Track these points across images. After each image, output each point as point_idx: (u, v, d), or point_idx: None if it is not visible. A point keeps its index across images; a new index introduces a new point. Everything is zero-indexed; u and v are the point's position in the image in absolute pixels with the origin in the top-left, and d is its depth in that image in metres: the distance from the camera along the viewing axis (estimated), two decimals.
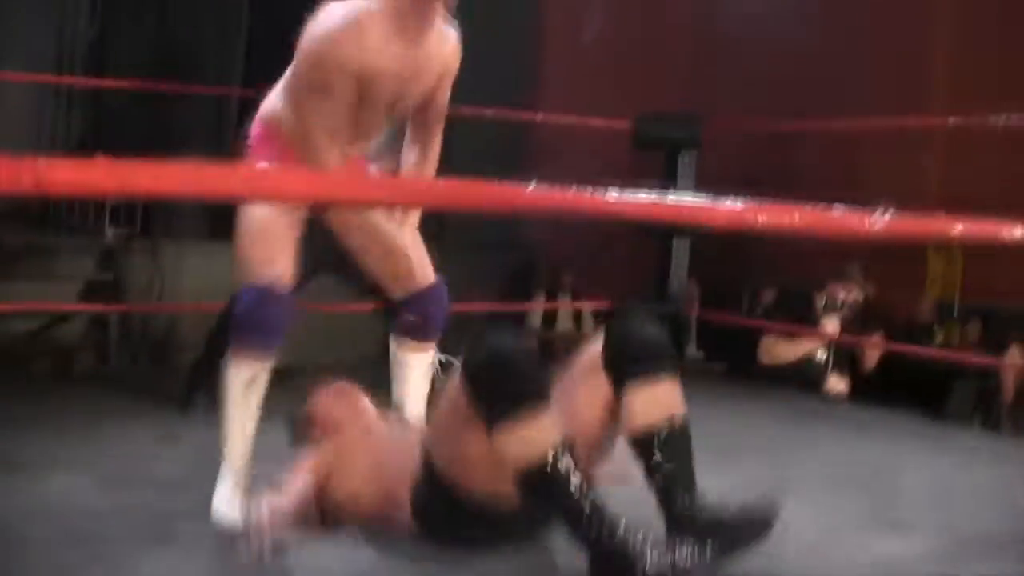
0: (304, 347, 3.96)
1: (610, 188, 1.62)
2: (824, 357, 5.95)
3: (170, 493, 3.07)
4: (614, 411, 2.60)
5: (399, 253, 3.13)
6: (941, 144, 6.81)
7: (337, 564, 2.61)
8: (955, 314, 6.90)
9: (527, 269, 7.72)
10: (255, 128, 3.07)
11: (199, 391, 4.16)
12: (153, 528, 2.76)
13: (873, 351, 6.03)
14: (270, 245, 2.90)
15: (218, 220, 6.17)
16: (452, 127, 3.43)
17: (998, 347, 5.94)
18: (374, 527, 2.71)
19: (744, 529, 2.43)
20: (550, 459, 2.36)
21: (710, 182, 6.20)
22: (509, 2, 7.39)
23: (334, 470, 2.79)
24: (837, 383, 5.88)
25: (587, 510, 2.36)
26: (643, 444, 2.52)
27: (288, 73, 2.99)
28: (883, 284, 6.35)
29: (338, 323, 5.32)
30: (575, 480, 2.37)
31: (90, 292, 6.19)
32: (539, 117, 6.95)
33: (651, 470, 2.51)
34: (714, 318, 6.44)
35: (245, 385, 2.93)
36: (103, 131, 7.42)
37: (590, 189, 1.61)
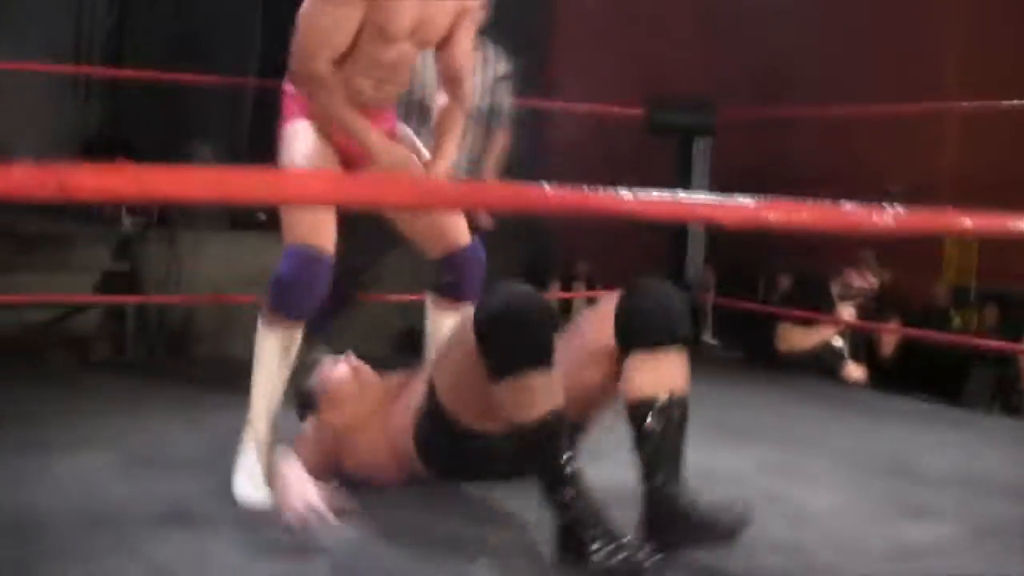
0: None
1: (623, 187, 1.62)
2: (841, 344, 5.94)
3: (192, 475, 3.07)
4: (616, 374, 2.60)
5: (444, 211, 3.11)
6: (954, 130, 6.79)
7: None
8: (972, 298, 6.88)
9: (542, 258, 7.73)
10: (286, 84, 3.07)
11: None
12: (176, 510, 2.77)
13: (890, 337, 6.02)
14: (314, 210, 2.89)
15: (236, 210, 6.20)
16: None
17: (1016, 332, 5.93)
18: (382, 480, 2.80)
19: (707, 530, 2.42)
20: (544, 421, 2.41)
21: (723, 168, 6.23)
22: None
23: (341, 447, 2.84)
24: (855, 370, 5.87)
25: (567, 480, 2.40)
26: (638, 413, 2.51)
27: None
28: (898, 269, 6.34)
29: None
30: (564, 446, 2.42)
31: (106, 282, 6.20)
32: (552, 104, 6.94)
33: (640, 441, 2.51)
34: (730, 305, 6.44)
35: (278, 353, 2.92)
36: (120, 120, 7.46)
37: (603, 189, 1.62)
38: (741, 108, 6.75)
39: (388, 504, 2.78)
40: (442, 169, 3.10)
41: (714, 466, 3.23)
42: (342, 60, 2.94)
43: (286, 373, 2.96)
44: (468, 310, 2.73)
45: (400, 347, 6.00)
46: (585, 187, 1.60)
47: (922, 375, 5.75)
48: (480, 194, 1.84)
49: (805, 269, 6.51)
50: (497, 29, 4.16)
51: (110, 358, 6.08)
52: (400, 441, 2.76)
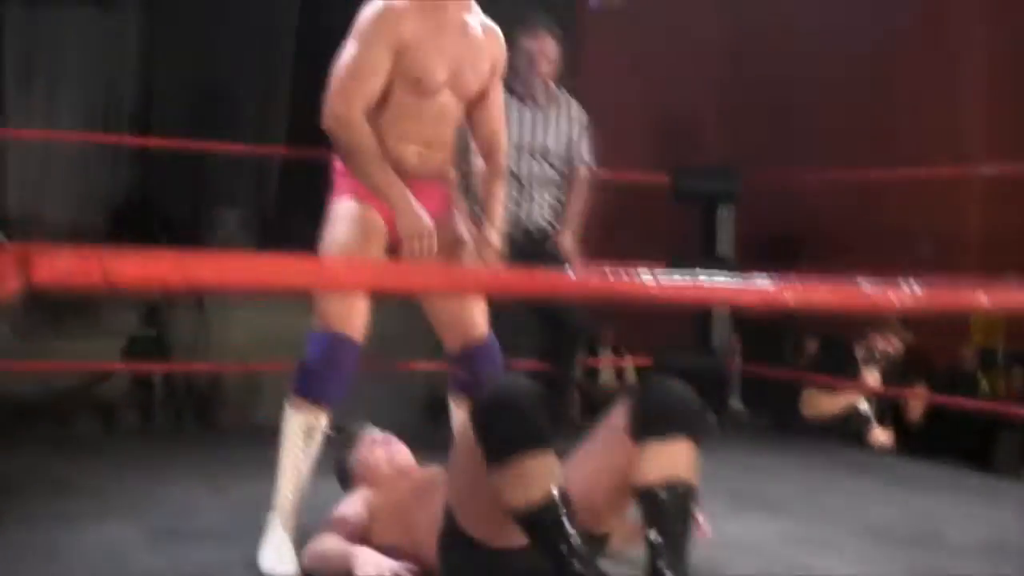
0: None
1: (648, 259, 1.66)
2: (867, 408, 5.91)
3: (218, 545, 3.09)
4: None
5: (468, 297, 3.12)
6: (980, 190, 6.78)
7: None
8: (999, 361, 6.83)
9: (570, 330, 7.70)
10: (335, 161, 3.08)
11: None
12: None
13: (917, 402, 5.99)
14: (348, 297, 2.92)
15: None
16: None
17: None
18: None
19: None
20: (544, 502, 2.38)
21: (749, 233, 6.23)
22: None
23: (372, 522, 2.83)
24: (881, 434, 5.83)
25: (575, 560, 2.36)
26: (642, 499, 2.51)
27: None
28: (924, 332, 6.31)
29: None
30: (569, 527, 2.38)
31: (134, 347, 6.23)
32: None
33: (645, 524, 2.50)
34: (756, 371, 6.42)
35: (303, 434, 2.95)
36: (149, 186, 7.55)
37: (626, 273, 1.65)
38: (765, 172, 6.77)
39: None
40: (495, 236, 3.14)
41: (739, 536, 3.22)
42: (382, 117, 2.96)
43: (313, 452, 2.98)
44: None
45: (425, 417, 5.98)
46: (607, 270, 1.63)
47: (950, 439, 5.70)
48: (507, 281, 1.86)
49: (830, 332, 6.48)
50: None
51: (137, 424, 6.11)
52: (423, 552, 2.71)
